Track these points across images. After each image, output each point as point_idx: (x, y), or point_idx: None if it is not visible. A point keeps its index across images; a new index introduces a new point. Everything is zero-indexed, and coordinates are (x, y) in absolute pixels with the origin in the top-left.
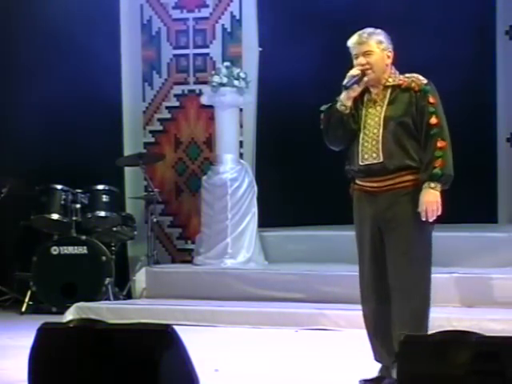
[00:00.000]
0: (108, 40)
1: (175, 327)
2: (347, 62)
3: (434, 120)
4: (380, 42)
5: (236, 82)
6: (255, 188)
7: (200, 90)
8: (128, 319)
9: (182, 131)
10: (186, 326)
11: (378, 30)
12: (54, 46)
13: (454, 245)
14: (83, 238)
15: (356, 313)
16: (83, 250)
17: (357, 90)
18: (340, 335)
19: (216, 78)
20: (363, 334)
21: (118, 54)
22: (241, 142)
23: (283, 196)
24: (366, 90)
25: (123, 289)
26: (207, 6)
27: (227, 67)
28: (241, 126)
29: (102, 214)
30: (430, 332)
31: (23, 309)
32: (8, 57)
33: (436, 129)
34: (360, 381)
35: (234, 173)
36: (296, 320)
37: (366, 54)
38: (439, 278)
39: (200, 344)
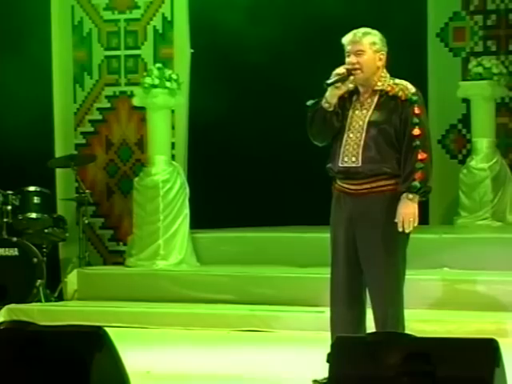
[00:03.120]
0: (39, 41)
1: (107, 329)
2: (280, 61)
3: (416, 131)
4: (373, 43)
5: (168, 84)
6: (187, 190)
7: (131, 92)
8: (59, 321)
9: (114, 133)
10: (118, 328)
11: (375, 32)
12: None
13: None
14: (14, 239)
15: (288, 314)
16: (14, 251)
17: (342, 89)
18: (272, 336)
19: (148, 80)
20: (295, 334)
21: (49, 54)
22: (173, 144)
23: (215, 198)
24: (355, 91)
25: (54, 291)
26: (138, 8)
27: (159, 69)
28: (173, 128)
29: (34, 215)
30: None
31: None
32: None
33: (418, 140)
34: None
35: (165, 174)
36: (228, 321)
37: (357, 53)
38: None
39: (132, 346)
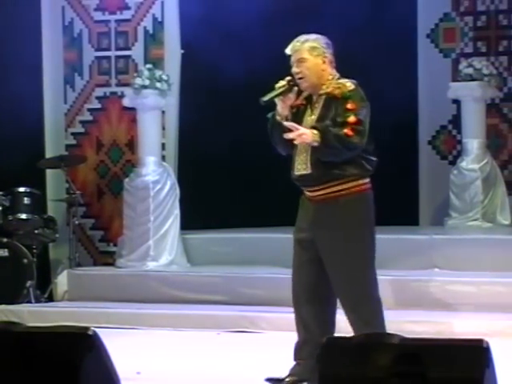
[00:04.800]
0: (29, 41)
1: (97, 330)
2: (270, 63)
3: (352, 119)
4: (313, 49)
5: (158, 85)
6: (177, 190)
7: (122, 92)
8: (49, 322)
9: (104, 133)
10: (108, 329)
11: (313, 36)
12: None
13: (375, 247)
14: (4, 240)
15: (278, 315)
16: (4, 252)
17: (291, 99)
18: (262, 337)
19: (138, 81)
20: (284, 335)
21: (40, 55)
22: (163, 145)
23: (205, 198)
24: (311, 97)
25: (45, 291)
26: (129, 8)
27: (149, 69)
28: (163, 129)
29: (24, 216)
30: (350, 335)
31: None
32: None
33: (352, 125)
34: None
35: (156, 175)
36: (218, 322)
37: (299, 61)
38: None
39: (122, 347)
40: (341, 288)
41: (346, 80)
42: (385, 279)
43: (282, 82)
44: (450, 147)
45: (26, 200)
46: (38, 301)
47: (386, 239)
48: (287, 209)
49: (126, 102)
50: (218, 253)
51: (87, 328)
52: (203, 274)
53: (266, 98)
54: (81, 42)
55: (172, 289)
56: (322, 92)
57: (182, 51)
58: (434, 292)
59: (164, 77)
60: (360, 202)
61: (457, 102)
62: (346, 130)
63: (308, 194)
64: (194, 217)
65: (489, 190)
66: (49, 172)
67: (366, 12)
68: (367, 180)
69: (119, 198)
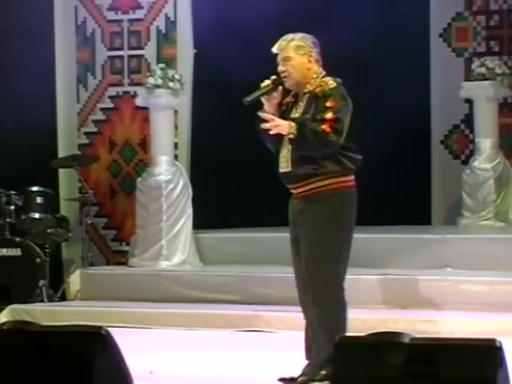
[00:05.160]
0: (42, 41)
1: (110, 329)
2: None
3: (330, 116)
4: (298, 47)
5: (171, 84)
6: (190, 190)
7: (135, 92)
8: (62, 321)
9: (117, 133)
10: (121, 328)
11: (299, 35)
12: None
13: (388, 246)
14: (17, 239)
15: (291, 314)
16: (17, 251)
17: (277, 98)
18: (274, 336)
19: (151, 80)
20: (297, 335)
21: (53, 55)
22: (176, 144)
23: (218, 198)
24: (297, 95)
25: (57, 291)
26: (142, 8)
27: (162, 69)
28: (176, 128)
29: (37, 215)
30: (364, 334)
31: None
32: None
33: (330, 122)
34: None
35: (168, 174)
36: (231, 322)
37: (284, 60)
38: (372, 279)
39: (135, 346)
40: (308, 284)
41: (329, 78)
42: (397, 279)
43: (267, 82)
44: (462, 147)
45: (39, 199)
46: (50, 300)
47: (399, 238)
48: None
49: (138, 102)
50: (230, 252)
51: (100, 327)
52: (216, 273)
53: (249, 98)
54: (93, 42)
55: (184, 288)
56: (305, 91)
57: (195, 51)
58: (447, 291)
59: (177, 76)
60: (338, 199)
61: (469, 101)
62: (323, 126)
63: (292, 191)
64: (207, 216)
65: (501, 190)
66: (61, 171)
67: (378, 12)
68: (349, 178)
69: (132, 197)
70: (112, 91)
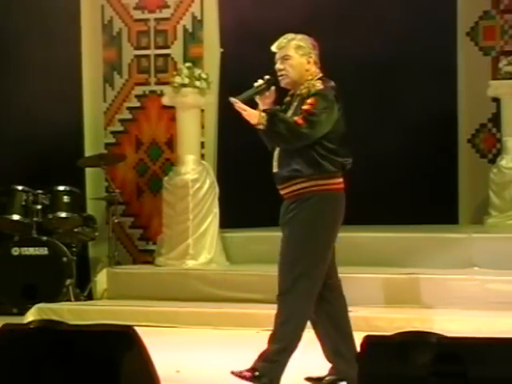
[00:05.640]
0: (69, 40)
1: (136, 328)
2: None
3: (305, 107)
4: (298, 47)
5: (197, 83)
6: (217, 189)
7: (161, 91)
8: (89, 320)
9: (143, 132)
10: (148, 327)
11: (300, 36)
12: (15, 44)
13: (414, 245)
14: (44, 238)
15: None
16: (44, 250)
17: (270, 97)
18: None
19: (177, 79)
20: None
21: (79, 54)
22: (202, 143)
23: (245, 197)
24: (293, 95)
25: (84, 290)
26: (168, 7)
27: (189, 68)
28: (202, 127)
29: (63, 214)
30: (391, 333)
31: None
32: None
33: (303, 113)
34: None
35: (195, 174)
36: (257, 321)
37: (283, 58)
38: (398, 278)
39: (161, 345)
40: (280, 280)
41: (319, 81)
42: (423, 278)
43: (260, 81)
44: (489, 145)
45: (66, 198)
46: (77, 299)
47: (426, 237)
48: None
49: (165, 101)
50: (257, 251)
51: (127, 326)
52: (242, 272)
53: (241, 97)
54: (120, 41)
55: (211, 287)
56: (298, 92)
57: (222, 50)
58: (474, 291)
59: (203, 75)
60: (318, 201)
61: (496, 100)
62: (296, 118)
63: (280, 192)
64: (233, 215)
65: None
66: (88, 170)
67: (405, 11)
68: (331, 180)
69: (158, 196)
70: (138, 90)
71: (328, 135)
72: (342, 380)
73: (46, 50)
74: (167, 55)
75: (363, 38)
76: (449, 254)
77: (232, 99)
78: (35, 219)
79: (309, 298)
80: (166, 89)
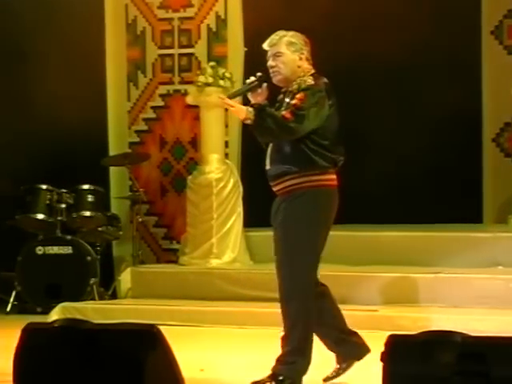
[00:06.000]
0: (93, 39)
1: (160, 327)
2: (331, 63)
3: (293, 102)
4: (290, 44)
5: (221, 82)
6: (241, 188)
7: (185, 90)
8: (113, 319)
9: (167, 131)
10: (171, 326)
11: (291, 33)
12: (40, 43)
13: (439, 245)
14: (68, 237)
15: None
16: (68, 249)
17: (262, 94)
18: None
19: (201, 78)
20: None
21: (103, 53)
22: (226, 142)
23: (268, 196)
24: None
25: (108, 289)
26: (192, 6)
27: (212, 67)
28: (226, 126)
29: (87, 213)
30: (415, 332)
31: (8, 309)
32: None
33: (291, 108)
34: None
35: (219, 173)
36: (281, 320)
37: (275, 55)
38: (424, 278)
39: (185, 344)
40: (278, 280)
41: (310, 77)
42: (448, 277)
43: (252, 78)
44: None
45: (90, 198)
46: (101, 298)
47: (450, 237)
48: (348, 205)
49: (189, 100)
50: None
51: (151, 325)
52: (266, 271)
53: (233, 94)
54: (144, 40)
55: (235, 286)
56: (290, 89)
57: (245, 49)
58: (498, 290)
59: (227, 74)
60: (310, 198)
61: None
62: (283, 112)
63: (272, 188)
64: (257, 214)
65: None
66: (112, 170)
67: (429, 11)
68: (324, 176)
69: (182, 195)
70: (162, 89)
71: (319, 131)
72: (353, 360)
73: (71, 49)
74: (191, 54)
75: (387, 38)
76: (473, 253)
77: (219, 96)
78: (59, 218)
79: (310, 296)
80: (190, 88)
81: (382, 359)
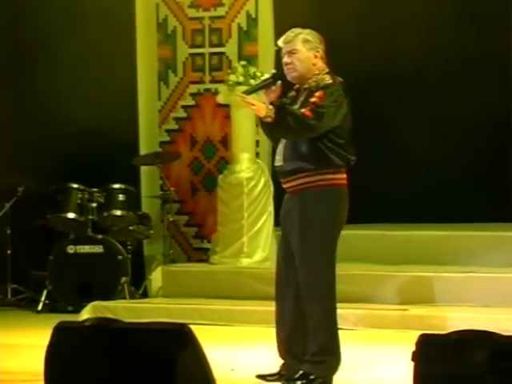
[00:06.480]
0: (124, 39)
1: (191, 326)
2: (362, 62)
3: (313, 99)
4: (306, 41)
5: (252, 81)
6: (271, 187)
7: (216, 89)
8: (144, 318)
9: (198, 130)
10: (202, 325)
11: (307, 30)
12: (70, 43)
13: (471, 244)
14: (99, 236)
15: (371, 312)
16: (99, 248)
17: (275, 92)
18: (355, 334)
19: (232, 77)
20: (378, 333)
21: (134, 52)
22: (257, 141)
23: None
24: (299, 90)
25: (139, 288)
26: (223, 5)
27: (243, 66)
28: (257, 125)
29: (118, 212)
30: (446, 332)
31: (39, 308)
32: (20, 54)
33: (311, 105)
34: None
35: (250, 172)
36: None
37: (291, 52)
38: (455, 277)
39: (216, 343)
40: (300, 279)
41: (328, 76)
42: (480, 277)
43: (266, 75)
44: None
45: (121, 197)
46: (132, 297)
47: (482, 236)
48: (379, 206)
49: (219, 99)
50: None
51: (182, 324)
52: None
53: (248, 91)
54: (175, 39)
55: (265, 285)
56: (305, 86)
57: (277, 48)
58: None
59: (258, 73)
60: (324, 197)
61: None
62: (303, 110)
63: (283, 185)
64: None
65: None
66: (143, 169)
67: (460, 11)
68: (338, 175)
69: (213, 194)
70: (193, 88)
71: (336, 129)
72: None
73: (102, 49)
74: (222, 53)
75: (417, 40)
76: (505, 252)
77: (239, 94)
78: (90, 217)
79: (333, 294)
80: (221, 87)
81: (412, 359)
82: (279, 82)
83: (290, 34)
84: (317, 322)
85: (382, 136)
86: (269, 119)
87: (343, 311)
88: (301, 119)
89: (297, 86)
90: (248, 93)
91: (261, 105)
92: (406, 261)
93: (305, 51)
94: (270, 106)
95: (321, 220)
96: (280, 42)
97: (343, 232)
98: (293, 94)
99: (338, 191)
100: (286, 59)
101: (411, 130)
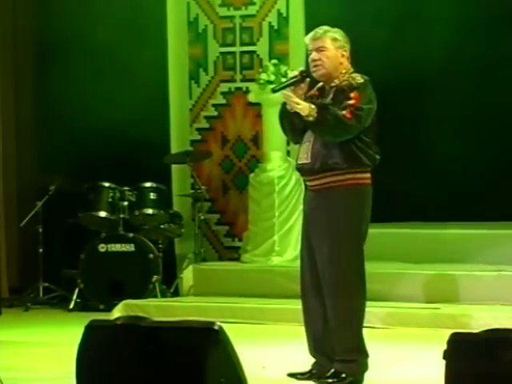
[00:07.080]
0: (155, 37)
1: (222, 325)
2: (395, 62)
3: (351, 102)
4: (335, 40)
5: (283, 80)
6: (302, 186)
7: (247, 88)
8: (175, 317)
9: (229, 129)
10: (233, 324)
11: (335, 29)
12: (101, 42)
13: (502, 242)
14: (131, 235)
15: (403, 310)
16: (131, 247)
17: (303, 89)
18: (387, 333)
19: (263, 76)
20: (410, 332)
21: (165, 51)
22: (288, 140)
23: None
24: (324, 88)
25: (170, 286)
26: (254, 4)
27: (274, 65)
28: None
29: (150, 211)
30: (478, 330)
31: (71, 306)
32: (52, 51)
33: (350, 108)
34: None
35: (281, 170)
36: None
37: (319, 49)
38: (486, 276)
39: (247, 341)
40: (324, 277)
41: (358, 75)
42: (509, 275)
43: (295, 72)
44: None
45: (152, 195)
46: (163, 295)
47: (507, 234)
48: (409, 205)
49: (250, 98)
50: None
51: (213, 323)
52: None
53: (276, 88)
54: (206, 38)
55: (297, 284)
56: (333, 84)
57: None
58: None
59: (289, 72)
60: (353, 196)
61: None
62: (344, 112)
63: (307, 183)
64: None
65: None
66: (174, 167)
67: (492, 12)
68: (365, 175)
69: (244, 193)
70: (224, 87)
71: (365, 129)
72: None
73: (134, 48)
74: (253, 52)
75: (446, 43)
76: None
77: (284, 92)
78: (122, 216)
79: (361, 294)
80: (252, 86)
81: (444, 357)
82: (307, 79)
83: (318, 30)
84: (342, 322)
85: (409, 137)
86: (311, 118)
87: (372, 309)
88: (342, 121)
89: (321, 84)
90: (276, 90)
91: (304, 104)
92: (437, 259)
93: (333, 49)
94: (313, 106)
95: (349, 219)
96: (307, 38)
97: (370, 230)
98: (313, 92)
99: (365, 190)
100: (313, 55)
101: (437, 131)
